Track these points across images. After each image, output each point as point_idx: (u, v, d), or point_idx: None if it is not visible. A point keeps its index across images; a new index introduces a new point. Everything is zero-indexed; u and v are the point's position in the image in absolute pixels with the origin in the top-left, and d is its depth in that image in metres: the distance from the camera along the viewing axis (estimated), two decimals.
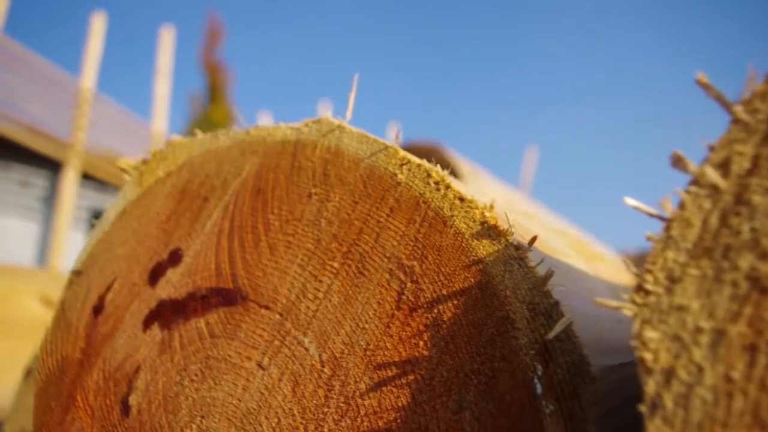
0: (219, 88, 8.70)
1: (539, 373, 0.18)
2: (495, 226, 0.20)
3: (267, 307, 0.23)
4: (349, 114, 0.23)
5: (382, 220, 0.22)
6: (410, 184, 0.22)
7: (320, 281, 0.22)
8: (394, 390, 0.20)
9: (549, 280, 0.19)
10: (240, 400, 0.23)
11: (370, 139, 0.23)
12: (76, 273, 0.29)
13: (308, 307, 0.23)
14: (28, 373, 0.74)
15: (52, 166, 7.90)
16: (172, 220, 0.27)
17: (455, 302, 0.20)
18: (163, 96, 8.92)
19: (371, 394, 0.21)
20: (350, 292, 0.22)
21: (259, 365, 0.23)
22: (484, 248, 0.20)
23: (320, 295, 0.22)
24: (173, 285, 0.26)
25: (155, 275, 0.26)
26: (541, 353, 0.18)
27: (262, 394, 0.23)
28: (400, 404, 0.20)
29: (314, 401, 0.22)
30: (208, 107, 8.62)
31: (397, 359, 0.20)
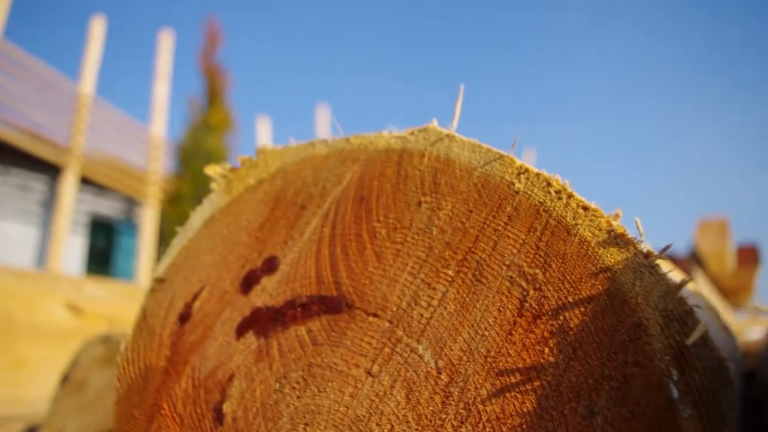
0: (218, 92, 8.71)
1: (675, 378, 0.19)
2: (622, 235, 0.20)
3: (375, 315, 0.24)
4: (455, 123, 0.24)
5: (499, 228, 0.22)
6: (529, 192, 0.22)
7: (434, 289, 0.23)
8: (518, 396, 0.21)
9: (683, 288, 0.19)
10: (348, 408, 0.23)
11: (483, 148, 0.23)
12: (159, 281, 0.29)
13: (421, 315, 0.23)
14: (65, 379, 0.73)
15: (51, 171, 7.82)
16: (266, 228, 0.27)
17: (582, 309, 0.20)
18: (162, 100, 8.86)
19: (494, 401, 0.21)
20: (467, 299, 0.22)
21: (368, 372, 0.23)
22: (612, 256, 0.20)
23: (434, 302, 0.23)
24: (269, 293, 0.26)
25: (248, 283, 0.26)
26: (676, 358, 0.19)
27: (373, 401, 0.23)
28: (525, 410, 0.20)
29: (430, 408, 0.22)
30: (207, 111, 8.59)
31: (521, 366, 0.21)
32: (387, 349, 0.24)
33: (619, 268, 0.21)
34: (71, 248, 7.28)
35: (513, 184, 0.23)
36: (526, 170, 0.23)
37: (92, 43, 7.28)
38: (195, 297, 0.30)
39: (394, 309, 0.24)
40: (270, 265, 0.27)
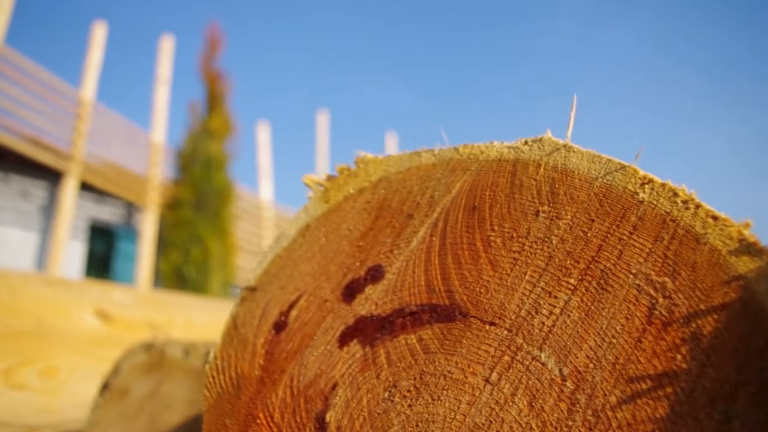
0: (218, 98, 8.72)
1: None
2: (755, 243, 0.21)
3: (493, 323, 0.24)
4: (569, 134, 0.24)
5: (624, 237, 0.23)
6: (654, 202, 0.22)
7: (555, 297, 0.23)
8: (650, 402, 0.21)
9: None
10: (465, 416, 0.24)
11: (603, 158, 0.24)
12: (251, 289, 0.29)
13: (543, 323, 0.23)
14: (105, 387, 0.73)
15: (51, 176, 7.79)
16: (369, 237, 0.27)
17: (715, 317, 0.21)
18: (163, 105, 8.85)
19: (624, 407, 0.21)
20: (592, 308, 0.23)
21: (487, 380, 0.23)
22: (744, 265, 0.21)
23: (556, 311, 0.23)
24: (374, 302, 0.26)
25: (351, 292, 0.27)
26: None
27: (492, 408, 0.23)
28: (657, 416, 0.21)
29: (555, 415, 0.22)
30: (207, 116, 8.59)
31: (652, 372, 0.21)
32: (507, 357, 0.24)
33: (753, 276, 0.21)
34: (71, 253, 7.26)
35: (637, 194, 0.24)
36: (651, 180, 0.24)
37: (93, 48, 7.29)
38: (291, 306, 0.30)
39: (513, 317, 0.25)
40: (374, 274, 0.28)
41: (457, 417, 0.26)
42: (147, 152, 7.97)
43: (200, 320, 1.12)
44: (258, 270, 0.32)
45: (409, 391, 0.27)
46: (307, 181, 0.31)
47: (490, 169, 0.28)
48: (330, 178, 0.32)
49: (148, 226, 7.80)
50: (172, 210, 8.17)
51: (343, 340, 0.29)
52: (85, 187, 7.74)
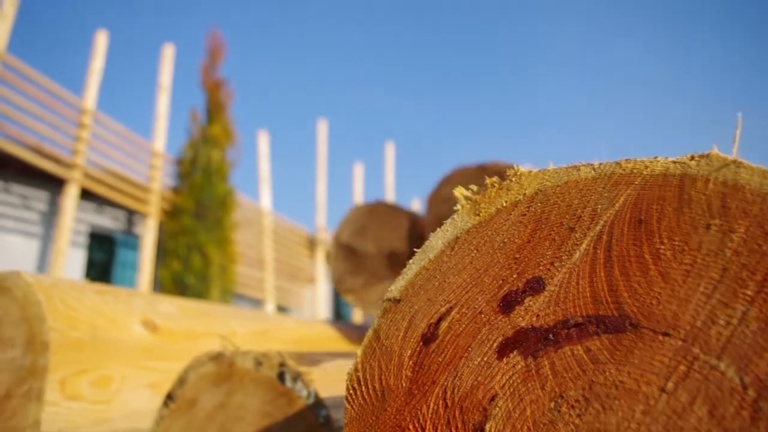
0: (219, 106, 8.75)
1: None
2: None
3: (666, 334, 0.25)
4: (735, 150, 0.25)
5: None
6: None
7: (732, 308, 0.24)
8: None
9: None
10: (640, 424, 0.24)
11: None
12: (394, 301, 0.30)
13: (720, 334, 0.24)
14: (170, 397, 0.73)
15: (53, 184, 7.77)
16: (526, 249, 0.28)
17: None
18: (164, 114, 8.85)
19: None
20: None
21: (662, 389, 0.24)
22: None
23: (734, 321, 0.24)
24: (534, 313, 0.27)
25: (508, 303, 0.28)
26: None
27: (670, 417, 0.24)
28: None
29: (737, 423, 0.23)
30: (208, 125, 8.61)
31: None
32: (683, 367, 0.25)
33: None
34: (71, 261, 7.23)
35: None
36: None
37: (95, 57, 7.31)
38: (441, 317, 0.30)
39: (688, 328, 0.26)
40: (534, 286, 0.28)
41: (632, 426, 0.27)
42: (147, 160, 7.98)
43: (241, 330, 1.12)
44: (401, 282, 0.33)
45: (577, 401, 0.28)
46: (456, 193, 0.32)
47: (655, 183, 0.29)
48: (479, 191, 0.32)
49: (149, 234, 7.80)
50: (173, 218, 8.16)
51: (502, 351, 0.30)
52: (86, 195, 7.75)
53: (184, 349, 1.07)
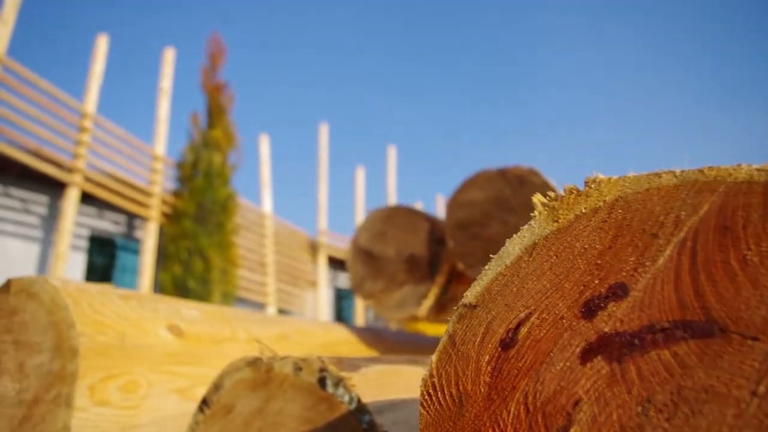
0: (220, 110, 8.77)
1: None
2: None
3: (756, 338, 0.25)
4: None
5: None
6: None
7: None
8: None
9: None
10: (732, 428, 0.25)
11: None
12: (470, 307, 0.30)
13: None
14: (204, 403, 0.74)
15: (53, 188, 7.79)
16: (608, 255, 0.29)
17: None
18: (164, 117, 8.87)
19: None
20: None
21: (753, 393, 0.25)
22: None
23: None
24: (618, 319, 0.28)
25: (590, 309, 0.28)
26: None
27: (762, 421, 0.25)
28: None
29: None
30: (209, 128, 8.62)
31: None
32: None
33: None
34: (72, 265, 7.22)
35: None
36: None
37: (96, 61, 7.32)
38: (520, 323, 0.31)
39: None
40: (617, 291, 0.29)
41: (723, 429, 0.27)
42: (148, 164, 7.98)
43: (262, 335, 1.12)
44: (477, 288, 0.34)
45: (665, 405, 0.28)
46: (534, 200, 0.33)
47: (739, 190, 0.29)
48: (557, 197, 0.33)
49: (149, 238, 7.79)
50: (173, 222, 8.16)
51: (586, 356, 0.30)
52: (86, 198, 7.75)
53: (209, 353, 1.07)
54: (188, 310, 1.07)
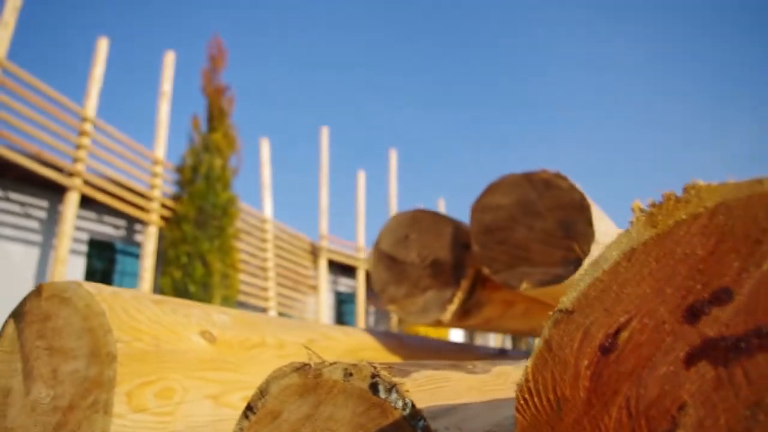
0: (220, 113, 8.77)
1: None
2: None
3: None
4: None
5: None
6: None
7: None
8: None
9: None
10: None
11: None
12: (567, 312, 0.31)
13: None
14: (249, 409, 0.74)
15: (53, 192, 7.79)
16: (710, 261, 0.30)
17: None
18: (165, 121, 8.89)
19: None
20: None
21: None
22: None
23: None
24: (723, 323, 0.28)
25: (694, 314, 0.29)
26: None
27: None
28: None
29: None
30: (209, 132, 8.63)
31: None
32: None
33: None
34: (71, 269, 7.20)
35: None
36: None
37: (96, 64, 7.32)
38: (620, 328, 0.31)
39: None
40: (720, 296, 0.30)
41: None
42: (148, 168, 7.98)
43: (289, 340, 1.13)
44: (574, 293, 0.34)
45: None
46: (633, 206, 0.33)
47: None
48: (655, 204, 0.34)
49: (149, 242, 7.78)
50: (174, 226, 8.15)
51: (690, 360, 0.31)
52: (86, 202, 7.75)
53: (241, 359, 1.07)
54: (218, 315, 1.07)
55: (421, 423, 0.64)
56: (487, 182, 1.31)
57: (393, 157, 14.02)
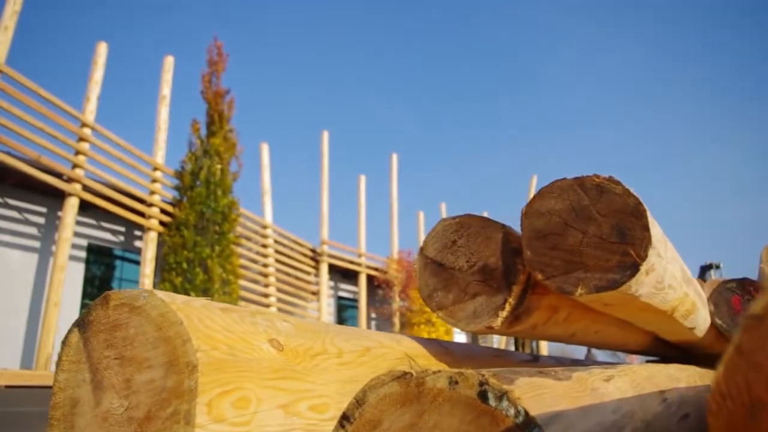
0: (220, 118, 8.78)
1: None
2: None
3: None
4: None
5: None
6: None
7: None
8: None
9: None
10: None
11: None
12: (758, 318, 0.32)
13: None
14: (345, 418, 0.75)
15: (52, 198, 7.77)
16: None
17: None
18: (164, 126, 8.91)
19: None
20: None
21: None
22: None
23: None
24: None
25: None
26: None
27: None
28: None
29: None
30: (209, 137, 8.63)
31: None
32: None
33: None
34: (70, 276, 7.16)
35: None
36: None
37: (95, 69, 7.31)
38: None
39: None
40: None
41: None
42: (148, 173, 7.95)
43: (347, 348, 1.13)
44: (765, 299, 0.35)
45: None
46: None
47: None
48: None
49: (149, 248, 7.74)
50: (174, 231, 8.12)
51: None
52: (85, 208, 7.71)
53: (307, 368, 1.07)
54: (281, 323, 1.08)
55: (535, 431, 0.65)
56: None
57: (394, 161, 14.00)
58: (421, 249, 1.49)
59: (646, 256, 1.21)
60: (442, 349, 1.54)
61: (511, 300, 1.44)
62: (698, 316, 1.90)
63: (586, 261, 1.29)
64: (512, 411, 0.64)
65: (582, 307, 1.63)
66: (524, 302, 1.45)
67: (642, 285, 1.21)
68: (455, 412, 0.69)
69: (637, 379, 1.16)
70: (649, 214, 1.26)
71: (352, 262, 11.89)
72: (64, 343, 0.95)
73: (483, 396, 0.66)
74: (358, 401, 0.77)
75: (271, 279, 9.74)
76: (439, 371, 0.72)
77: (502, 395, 0.65)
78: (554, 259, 1.31)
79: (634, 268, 1.22)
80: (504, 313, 1.42)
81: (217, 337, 0.90)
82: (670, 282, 1.40)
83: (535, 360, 2.20)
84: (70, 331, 0.96)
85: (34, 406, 4.34)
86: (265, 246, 9.94)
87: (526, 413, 0.63)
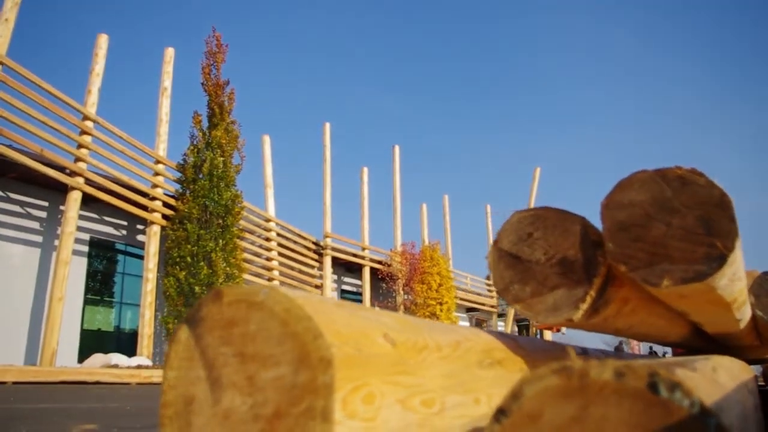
0: (221, 108, 8.70)
1: None
2: None
3: None
4: None
5: None
6: None
7: None
8: None
9: None
10: None
11: None
12: None
13: None
14: (501, 413, 0.77)
15: (54, 191, 7.70)
16: None
17: None
18: (166, 118, 8.86)
19: None
20: None
21: None
22: None
23: None
24: None
25: None
26: None
27: None
28: None
29: None
30: (211, 129, 8.58)
31: None
32: None
33: None
34: (73, 270, 7.12)
35: None
36: None
37: (97, 61, 7.20)
38: None
39: None
40: None
41: None
42: (150, 166, 7.88)
43: (444, 342, 1.15)
44: None
45: None
46: None
47: None
48: None
49: (152, 242, 7.69)
50: (177, 225, 8.06)
51: None
52: (87, 202, 7.63)
53: (416, 362, 1.09)
54: (386, 318, 1.09)
55: (713, 421, 0.66)
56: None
57: (397, 153, 13.86)
58: (495, 242, 1.50)
59: (734, 248, 1.23)
60: (514, 343, 1.56)
61: (592, 292, 1.46)
62: (747, 308, 1.92)
63: (671, 253, 1.30)
64: (686, 402, 0.66)
65: (646, 299, 1.64)
66: (604, 294, 1.46)
67: (723, 277, 1.23)
68: (624, 404, 0.70)
69: (731, 371, 1.18)
70: (734, 205, 1.27)
71: (355, 255, 11.83)
72: (172, 340, 0.95)
73: (653, 387, 0.68)
74: (515, 395, 0.78)
75: (275, 273, 9.71)
76: (605, 363, 0.73)
77: (674, 386, 0.66)
78: (638, 251, 1.33)
79: (720, 260, 1.24)
80: (585, 306, 1.44)
81: (343, 332, 0.91)
82: (740, 274, 1.42)
83: (584, 352, 2.22)
84: (178, 328, 0.96)
85: (50, 403, 4.30)
86: (268, 239, 9.90)
87: (702, 404, 0.65)
